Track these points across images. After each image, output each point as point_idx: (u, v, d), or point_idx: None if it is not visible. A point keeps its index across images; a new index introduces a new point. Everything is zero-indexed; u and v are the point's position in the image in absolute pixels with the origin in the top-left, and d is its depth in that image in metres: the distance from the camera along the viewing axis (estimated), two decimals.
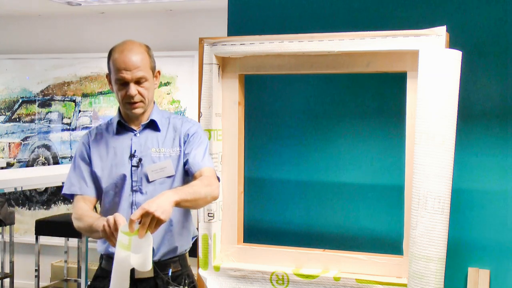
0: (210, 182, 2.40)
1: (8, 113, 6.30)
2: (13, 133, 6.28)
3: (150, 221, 2.13)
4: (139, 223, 2.14)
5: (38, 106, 6.19)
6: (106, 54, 2.50)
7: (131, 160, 2.49)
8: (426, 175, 2.43)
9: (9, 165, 6.23)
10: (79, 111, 6.04)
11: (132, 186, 2.48)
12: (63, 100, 6.11)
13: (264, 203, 3.24)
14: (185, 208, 2.45)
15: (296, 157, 3.19)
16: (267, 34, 2.84)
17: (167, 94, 5.73)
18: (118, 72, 2.41)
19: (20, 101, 6.27)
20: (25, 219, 6.16)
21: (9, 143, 6.30)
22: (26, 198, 6.19)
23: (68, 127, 6.07)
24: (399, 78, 2.77)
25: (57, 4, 5.47)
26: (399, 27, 2.68)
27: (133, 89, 2.42)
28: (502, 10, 2.88)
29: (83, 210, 2.45)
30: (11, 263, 5.27)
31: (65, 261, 5.60)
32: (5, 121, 6.30)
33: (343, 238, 3.10)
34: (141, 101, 2.45)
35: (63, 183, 4.79)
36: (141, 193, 2.47)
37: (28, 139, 6.22)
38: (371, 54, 2.72)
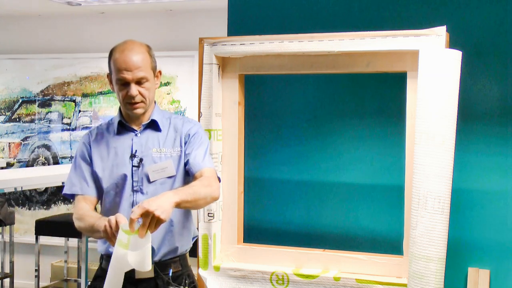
0: (210, 183, 2.40)
1: (8, 113, 6.30)
2: (13, 133, 6.28)
3: (150, 221, 2.13)
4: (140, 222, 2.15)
5: (38, 106, 6.19)
6: (106, 54, 2.50)
7: (132, 160, 2.48)
8: (426, 175, 2.43)
9: (9, 165, 6.23)
10: (79, 111, 6.04)
11: (133, 186, 2.48)
12: (63, 100, 6.11)
13: (264, 203, 3.24)
14: (185, 209, 2.45)
15: (296, 157, 3.19)
16: (267, 34, 2.84)
17: (167, 94, 5.73)
18: (119, 72, 2.41)
19: (20, 101, 6.27)
20: (25, 219, 6.16)
21: (9, 143, 6.30)
22: (26, 198, 6.19)
23: (68, 127, 6.07)
24: (399, 78, 2.77)
25: (57, 4, 5.47)
26: (399, 27, 2.69)
27: (134, 89, 2.42)
28: (502, 10, 2.88)
29: (84, 210, 2.45)
30: (11, 263, 5.27)
31: (65, 261, 5.60)
32: (5, 121, 6.30)
33: (343, 238, 3.10)
34: (142, 102, 2.45)
35: (63, 183, 4.81)
36: (142, 193, 2.47)
37: (28, 139, 6.22)
38: (371, 54, 2.72)
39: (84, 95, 6.02)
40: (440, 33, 2.55)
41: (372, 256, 2.79)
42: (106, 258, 2.55)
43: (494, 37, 2.90)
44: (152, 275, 2.46)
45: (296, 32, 2.81)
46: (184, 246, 2.56)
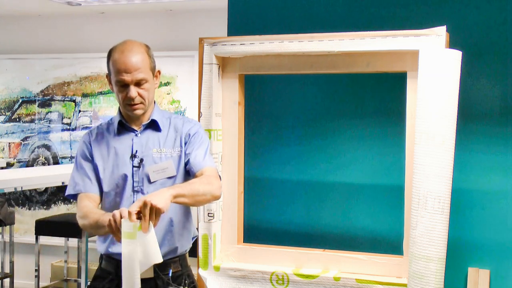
0: (210, 181, 2.40)
1: (8, 113, 6.30)
2: (13, 133, 6.28)
3: (150, 213, 2.13)
4: (140, 218, 2.14)
5: (38, 106, 6.19)
6: (106, 54, 2.49)
7: (133, 161, 2.48)
8: (426, 175, 2.43)
9: (9, 165, 6.23)
10: (79, 111, 6.04)
11: (133, 187, 2.47)
12: (63, 100, 6.11)
13: (264, 203, 3.24)
14: (184, 204, 2.42)
15: (296, 157, 3.19)
16: (267, 34, 2.84)
17: (167, 94, 5.73)
18: (118, 74, 2.40)
19: (20, 101, 6.27)
20: (25, 219, 6.16)
21: (9, 143, 6.30)
22: (26, 198, 6.19)
23: (68, 127, 6.07)
24: (399, 78, 2.77)
25: (57, 4, 5.47)
26: (399, 27, 2.69)
27: (133, 91, 2.41)
28: (502, 10, 2.88)
29: (88, 208, 2.44)
30: (11, 263, 5.27)
31: (65, 261, 5.60)
32: (5, 121, 6.30)
33: (343, 238, 3.10)
34: (141, 103, 2.45)
35: (63, 183, 4.82)
36: (143, 193, 2.47)
37: (28, 139, 6.22)
38: (371, 54, 2.72)
39: (84, 95, 6.02)
40: (440, 33, 2.55)
41: (372, 256, 2.79)
42: (106, 258, 2.55)
43: (494, 37, 2.90)
44: (151, 275, 2.46)
45: (296, 32, 2.81)
46: (184, 246, 2.56)
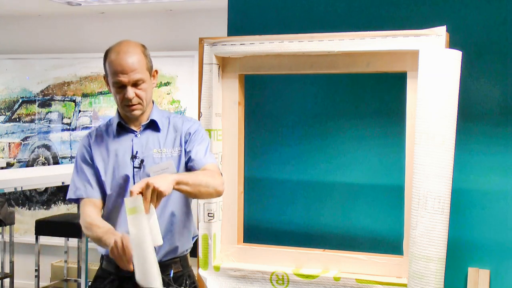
0: (213, 175, 2.40)
1: (8, 113, 6.30)
2: (13, 133, 6.28)
3: (152, 195, 2.12)
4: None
5: (38, 106, 6.19)
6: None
7: (133, 162, 2.47)
8: (426, 175, 2.43)
9: (9, 165, 6.23)
10: (79, 111, 6.04)
11: None
12: (63, 100, 6.11)
13: (264, 203, 3.24)
14: (186, 193, 2.37)
15: (296, 157, 3.19)
16: (267, 34, 2.84)
17: (167, 94, 5.73)
18: (115, 75, 2.39)
19: (20, 101, 6.27)
20: (25, 219, 6.16)
21: (9, 143, 6.30)
22: (26, 198, 6.19)
23: (68, 127, 6.07)
24: (399, 78, 2.77)
25: (57, 4, 5.47)
26: (399, 27, 2.69)
27: (130, 92, 2.40)
28: (502, 10, 2.89)
29: (92, 219, 2.42)
30: (11, 263, 5.27)
31: (65, 261, 5.60)
32: (5, 121, 6.30)
33: (343, 238, 3.10)
34: (139, 103, 2.44)
35: (63, 183, 4.81)
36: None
37: (28, 139, 6.22)
38: (371, 54, 2.72)
39: (84, 95, 6.02)
40: (440, 33, 2.55)
41: (372, 256, 2.79)
42: (106, 258, 2.54)
43: (494, 37, 2.90)
44: None
45: (296, 32, 2.81)
46: (185, 246, 2.56)
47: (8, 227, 5.29)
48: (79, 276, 5.29)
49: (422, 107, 2.46)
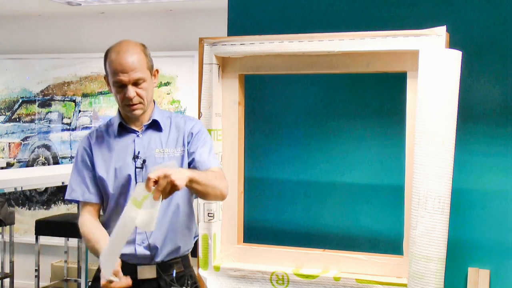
0: (221, 178, 2.41)
1: (8, 113, 6.30)
2: (13, 133, 6.28)
3: (165, 186, 2.10)
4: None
5: (38, 106, 6.19)
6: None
7: (135, 162, 2.47)
8: (426, 175, 2.43)
9: (9, 165, 6.23)
10: (79, 111, 6.04)
11: None
12: (63, 100, 6.11)
13: (264, 203, 3.24)
14: (195, 191, 2.36)
15: (296, 157, 3.19)
16: (267, 34, 2.84)
17: (167, 94, 5.73)
18: (115, 74, 2.38)
19: (20, 101, 6.27)
20: (25, 219, 6.16)
21: (9, 143, 6.30)
22: (26, 198, 6.19)
23: (68, 127, 6.07)
24: (399, 78, 2.77)
25: (57, 4, 5.47)
26: (399, 27, 2.69)
27: (131, 91, 2.39)
28: (502, 10, 2.89)
29: (88, 227, 2.43)
30: (11, 263, 5.27)
31: (65, 261, 5.60)
32: (5, 121, 6.30)
33: (343, 238, 3.10)
34: (140, 103, 2.43)
35: (63, 183, 4.81)
36: None
37: (28, 139, 6.22)
38: (371, 54, 2.72)
39: (84, 95, 6.02)
40: (440, 33, 2.55)
41: (372, 256, 2.79)
42: None
43: (494, 37, 2.90)
44: (154, 275, 2.45)
45: (296, 32, 2.81)
46: (187, 246, 2.56)
47: (8, 227, 5.29)
48: (79, 276, 5.29)
49: (422, 107, 2.46)
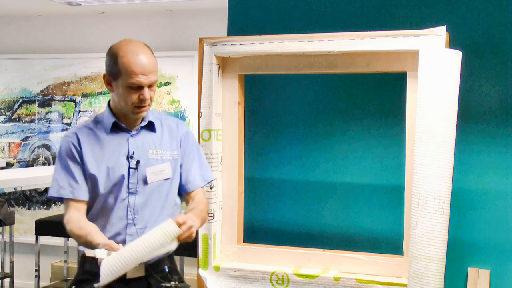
0: (206, 204, 2.58)
1: (8, 113, 6.30)
2: (13, 133, 6.28)
3: (184, 234, 2.24)
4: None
5: (38, 106, 6.19)
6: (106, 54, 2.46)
7: (129, 162, 2.45)
8: (426, 175, 2.43)
9: (9, 165, 6.23)
10: (79, 111, 6.04)
11: (128, 188, 2.44)
12: (63, 100, 6.11)
13: (264, 203, 3.24)
14: None
15: (296, 157, 3.19)
16: (267, 34, 2.84)
17: (167, 94, 5.73)
18: (134, 76, 2.34)
19: (20, 101, 6.27)
20: (25, 219, 6.16)
21: (9, 143, 6.30)
22: (26, 198, 6.19)
23: (68, 127, 6.06)
24: (399, 78, 2.77)
25: (57, 4, 5.47)
26: (399, 27, 2.69)
27: (147, 93, 2.37)
28: (502, 10, 2.88)
29: (76, 223, 2.41)
30: (11, 263, 5.27)
31: (65, 261, 5.59)
32: (5, 121, 6.30)
33: (343, 238, 3.10)
34: (149, 105, 2.43)
35: None
36: (137, 195, 2.45)
37: (28, 139, 6.22)
38: (371, 54, 2.72)
39: (84, 95, 6.02)
40: (440, 33, 2.55)
41: (372, 256, 2.79)
42: (91, 259, 2.42)
43: (494, 37, 2.90)
44: (143, 274, 2.45)
45: (296, 32, 2.81)
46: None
47: (8, 227, 5.29)
48: None
49: (422, 107, 2.46)
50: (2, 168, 6.14)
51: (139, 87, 2.37)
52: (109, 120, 2.47)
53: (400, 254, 2.73)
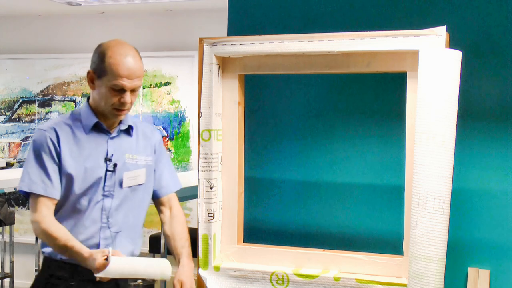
0: (183, 215, 2.68)
1: (8, 113, 6.31)
2: (13, 133, 6.28)
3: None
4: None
5: (38, 106, 6.19)
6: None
7: (107, 164, 2.42)
8: (426, 175, 2.43)
9: (9, 165, 6.23)
10: None
11: (104, 191, 2.42)
12: (63, 100, 6.11)
13: (264, 203, 3.24)
14: None
15: (296, 157, 3.19)
16: (267, 34, 2.84)
17: (167, 94, 5.73)
18: (118, 78, 2.33)
19: (20, 101, 6.27)
20: (25, 219, 6.15)
21: (9, 143, 6.30)
22: (26, 198, 6.19)
23: None
24: (399, 78, 2.77)
25: (57, 4, 5.47)
26: (399, 27, 2.68)
27: (129, 97, 2.36)
28: (502, 10, 2.88)
29: (51, 223, 2.32)
30: (11, 263, 5.27)
31: None
32: (5, 121, 6.30)
33: (343, 238, 3.10)
34: (128, 108, 2.42)
35: None
36: (112, 198, 2.43)
37: (28, 139, 6.22)
38: (371, 54, 2.72)
39: (84, 95, 6.02)
40: (440, 33, 2.55)
41: (372, 256, 2.79)
42: (59, 263, 2.40)
43: (494, 37, 2.90)
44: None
45: (296, 32, 2.81)
46: (138, 249, 2.59)
47: (8, 227, 5.29)
48: None
49: (422, 107, 2.46)
50: (2, 168, 6.14)
51: (122, 90, 2.35)
52: (90, 119, 2.44)
53: (400, 254, 2.73)
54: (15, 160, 6.25)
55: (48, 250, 2.42)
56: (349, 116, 3.11)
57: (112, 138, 2.46)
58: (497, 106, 2.91)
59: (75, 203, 2.40)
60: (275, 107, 3.23)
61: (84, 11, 5.83)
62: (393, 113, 2.98)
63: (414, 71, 2.61)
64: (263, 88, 3.24)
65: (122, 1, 5.26)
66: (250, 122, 3.14)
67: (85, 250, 2.27)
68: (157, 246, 4.91)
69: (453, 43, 2.64)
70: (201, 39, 2.91)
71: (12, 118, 6.28)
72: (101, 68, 2.37)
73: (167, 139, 5.76)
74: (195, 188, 2.91)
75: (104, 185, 2.41)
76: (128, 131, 2.51)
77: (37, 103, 6.20)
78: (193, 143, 5.72)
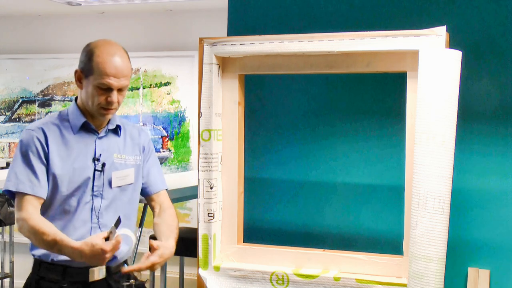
0: (174, 212, 2.64)
1: (8, 113, 6.31)
2: (13, 133, 6.28)
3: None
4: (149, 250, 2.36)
5: (38, 106, 6.19)
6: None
7: (95, 164, 2.42)
8: (426, 175, 2.43)
9: (9, 165, 6.23)
10: None
11: (93, 191, 2.42)
12: (63, 100, 6.11)
13: (264, 203, 3.24)
14: None
15: (296, 157, 3.19)
16: (267, 34, 2.84)
17: (167, 94, 5.73)
18: (105, 77, 2.32)
19: (20, 101, 6.27)
20: None
21: (9, 143, 6.30)
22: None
23: None
24: (399, 78, 2.77)
25: (57, 4, 5.47)
26: (399, 27, 2.68)
27: (115, 97, 2.35)
28: (502, 10, 2.89)
29: (37, 220, 2.28)
30: (11, 263, 5.27)
31: None
32: (5, 121, 6.30)
33: (343, 238, 3.10)
34: (115, 108, 2.41)
35: None
36: (102, 198, 2.43)
37: None
38: (371, 54, 2.72)
39: None
40: (440, 33, 2.55)
41: (372, 256, 2.79)
42: (48, 265, 2.39)
43: (494, 37, 2.90)
44: (104, 275, 2.45)
45: (296, 32, 2.81)
46: (131, 249, 2.56)
47: (8, 227, 5.29)
48: None
49: (422, 107, 2.46)
50: (2, 168, 6.13)
51: (109, 89, 2.34)
52: (79, 119, 2.43)
53: (400, 254, 2.73)
54: None
55: (38, 252, 2.41)
56: (349, 116, 3.11)
57: (100, 138, 2.46)
58: (497, 106, 2.91)
59: (63, 204, 2.39)
60: (275, 107, 3.23)
61: (84, 11, 5.83)
62: (393, 113, 2.98)
63: (414, 71, 2.61)
64: (263, 88, 3.24)
65: (122, 1, 5.25)
66: (250, 122, 3.14)
67: (74, 242, 2.23)
68: None
69: (453, 43, 2.64)
70: (201, 39, 2.91)
71: (12, 118, 6.28)
72: (88, 67, 2.37)
73: (167, 139, 5.76)
74: (195, 188, 2.91)
75: (93, 185, 2.41)
76: (116, 131, 2.51)
77: (37, 103, 6.20)
78: (193, 143, 5.72)
